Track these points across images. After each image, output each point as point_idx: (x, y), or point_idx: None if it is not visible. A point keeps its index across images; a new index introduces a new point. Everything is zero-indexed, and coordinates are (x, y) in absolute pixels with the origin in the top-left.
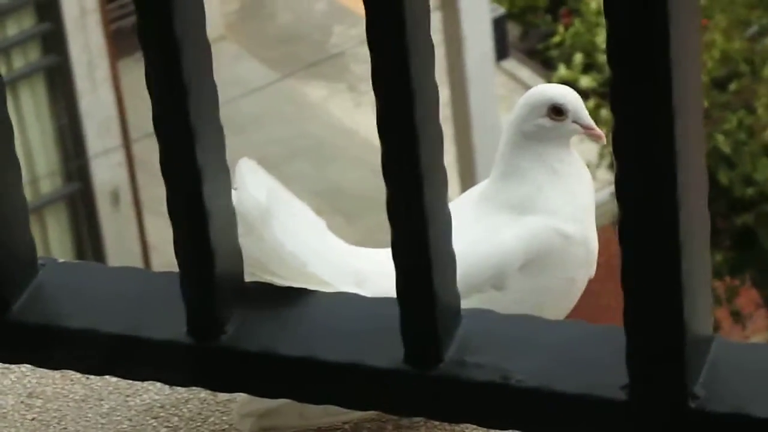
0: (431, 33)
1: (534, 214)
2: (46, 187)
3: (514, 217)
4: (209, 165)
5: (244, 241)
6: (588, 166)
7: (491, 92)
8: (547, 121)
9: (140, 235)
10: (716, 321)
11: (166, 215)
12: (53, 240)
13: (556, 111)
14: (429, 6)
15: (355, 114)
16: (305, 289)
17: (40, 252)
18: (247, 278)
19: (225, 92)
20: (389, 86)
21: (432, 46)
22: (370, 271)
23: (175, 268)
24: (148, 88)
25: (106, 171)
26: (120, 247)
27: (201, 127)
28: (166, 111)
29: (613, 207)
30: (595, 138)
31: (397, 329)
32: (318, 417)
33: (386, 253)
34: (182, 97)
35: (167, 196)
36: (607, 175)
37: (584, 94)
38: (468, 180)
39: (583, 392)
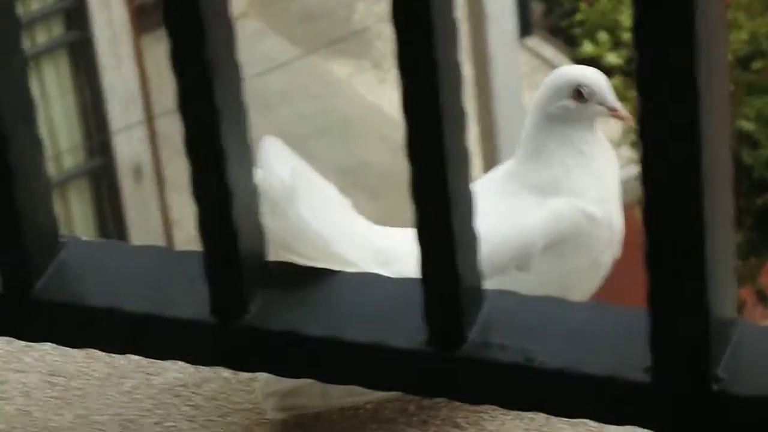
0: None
1: (560, 196)
2: (68, 162)
3: (539, 198)
4: (233, 144)
5: (268, 220)
6: (611, 143)
7: (514, 70)
8: (571, 103)
9: (162, 211)
10: (740, 300)
11: (189, 191)
12: (76, 215)
13: (581, 93)
14: None
15: (378, 90)
16: (329, 269)
17: (62, 226)
18: (271, 258)
19: (248, 69)
20: (413, 66)
21: (456, 26)
22: (395, 251)
23: (197, 244)
24: (173, 68)
25: (128, 146)
26: (142, 223)
27: (225, 107)
28: (191, 91)
29: (637, 184)
30: (620, 119)
31: (421, 310)
32: (341, 397)
33: (410, 233)
34: (207, 78)
35: (191, 176)
36: (630, 153)
37: (609, 72)
38: (491, 158)
39: (607, 374)
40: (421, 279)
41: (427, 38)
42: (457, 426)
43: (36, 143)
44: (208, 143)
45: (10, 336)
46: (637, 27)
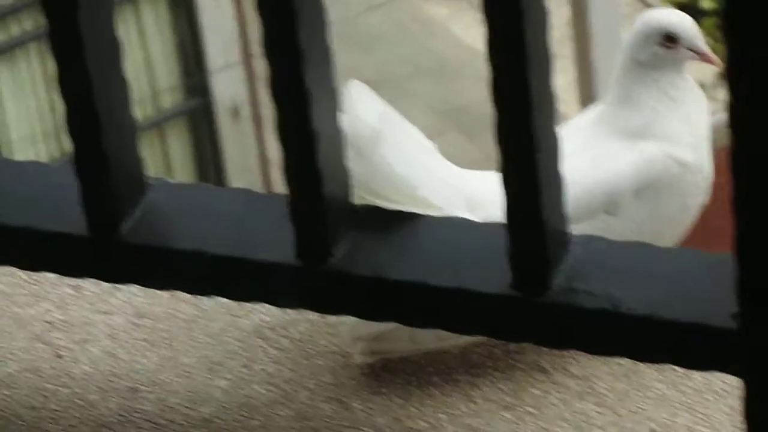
0: None
1: (650, 141)
2: (167, 102)
3: (630, 143)
4: (317, 86)
5: (354, 164)
6: (705, 87)
7: (614, 11)
8: (660, 49)
9: (260, 150)
10: None
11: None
12: (174, 154)
13: (670, 39)
14: None
15: (476, 32)
16: (414, 213)
17: (160, 166)
18: (356, 202)
19: (346, 9)
20: (497, 8)
21: None
22: (482, 195)
23: None
24: (257, 9)
25: (226, 86)
26: (240, 163)
27: (309, 48)
28: (275, 32)
29: None
30: (710, 63)
31: (507, 254)
32: (428, 341)
33: (497, 177)
34: (291, 18)
35: (276, 118)
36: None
37: (705, 14)
38: (587, 101)
39: (693, 320)
40: (506, 223)
41: None
42: (543, 371)
43: (121, 85)
44: (292, 86)
45: (96, 278)
46: None
